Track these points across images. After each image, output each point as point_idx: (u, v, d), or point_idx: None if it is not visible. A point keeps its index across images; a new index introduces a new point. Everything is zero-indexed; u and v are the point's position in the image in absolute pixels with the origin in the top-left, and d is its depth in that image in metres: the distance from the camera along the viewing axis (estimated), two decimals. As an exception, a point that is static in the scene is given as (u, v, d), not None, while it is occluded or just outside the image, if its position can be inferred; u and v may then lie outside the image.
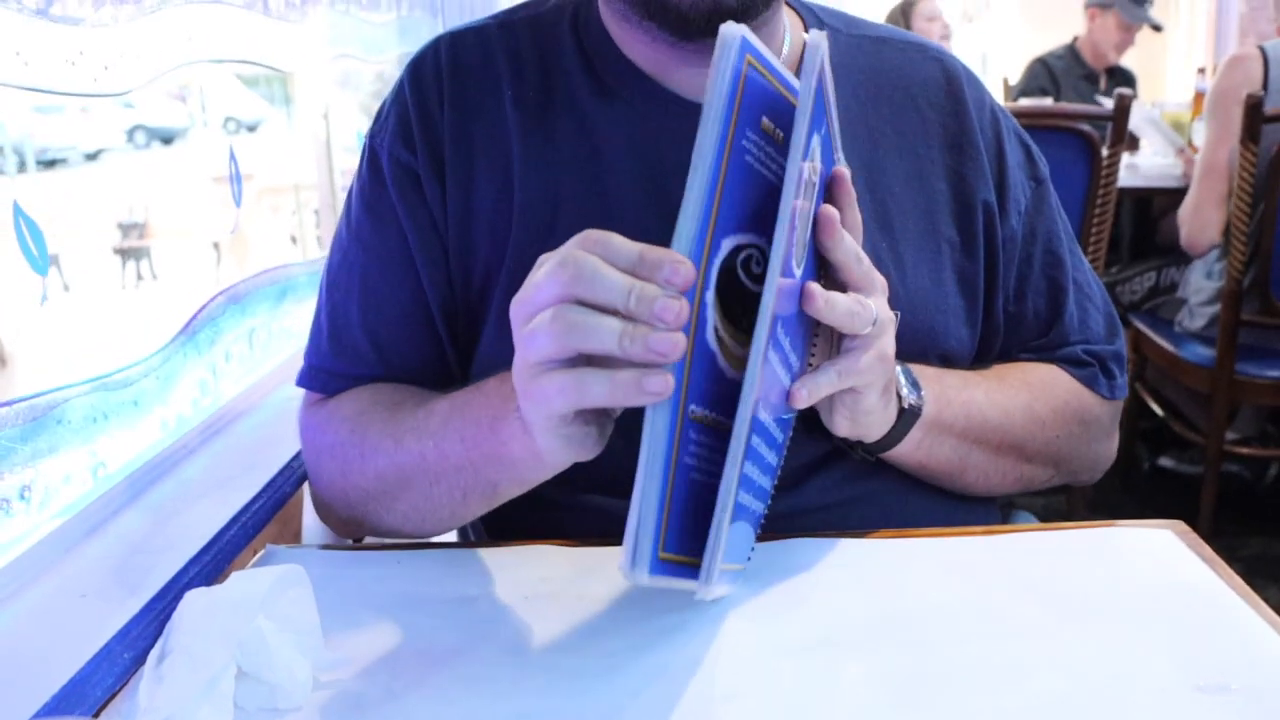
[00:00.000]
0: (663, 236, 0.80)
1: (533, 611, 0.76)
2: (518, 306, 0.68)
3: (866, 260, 0.74)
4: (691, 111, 0.90)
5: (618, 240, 0.66)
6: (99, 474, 0.95)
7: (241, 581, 0.71)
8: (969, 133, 0.96)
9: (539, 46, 0.95)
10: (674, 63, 0.91)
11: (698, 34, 0.86)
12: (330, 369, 0.95)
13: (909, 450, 0.87)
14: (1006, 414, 0.93)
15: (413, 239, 0.91)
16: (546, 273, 0.65)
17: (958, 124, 0.97)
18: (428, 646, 0.72)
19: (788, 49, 0.96)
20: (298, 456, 1.03)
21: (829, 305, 0.70)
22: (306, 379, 0.97)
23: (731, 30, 0.66)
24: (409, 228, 0.91)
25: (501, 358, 0.88)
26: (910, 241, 0.92)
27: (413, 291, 0.92)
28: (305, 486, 1.49)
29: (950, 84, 0.98)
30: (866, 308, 0.72)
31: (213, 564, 0.85)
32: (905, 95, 0.97)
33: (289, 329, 1.34)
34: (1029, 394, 0.95)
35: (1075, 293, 1.01)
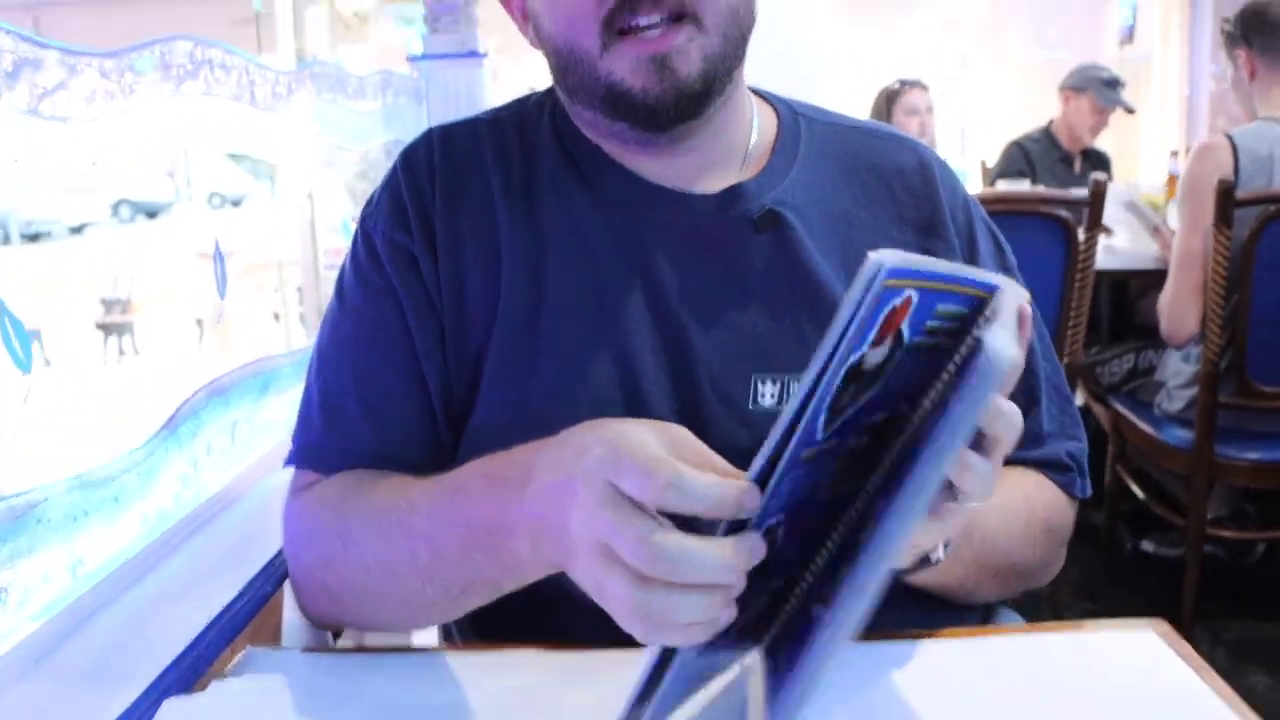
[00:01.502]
0: (646, 311, 0.89)
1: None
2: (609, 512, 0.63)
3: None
4: (667, 197, 0.94)
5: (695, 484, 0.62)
6: (78, 572, 0.94)
7: (221, 693, 0.70)
8: (940, 218, 0.99)
9: (523, 140, 0.99)
10: (647, 154, 0.94)
11: (668, 124, 0.90)
12: (321, 443, 0.94)
13: (918, 576, 0.84)
14: (1010, 536, 0.93)
15: (410, 314, 0.93)
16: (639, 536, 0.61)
17: (930, 209, 1.00)
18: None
19: (756, 138, 0.99)
20: (279, 554, 1.03)
21: (972, 473, 0.66)
22: (296, 458, 0.96)
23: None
24: (407, 303, 0.93)
25: (489, 430, 0.89)
26: None
27: (408, 363, 0.93)
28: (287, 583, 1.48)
29: (924, 170, 1.02)
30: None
31: (192, 668, 0.84)
32: (879, 179, 1.00)
33: (271, 421, 1.34)
34: (1027, 511, 0.96)
35: (1048, 388, 1.02)
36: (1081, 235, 2.41)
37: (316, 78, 1.60)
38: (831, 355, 0.60)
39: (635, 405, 0.88)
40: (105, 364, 8.55)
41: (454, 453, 0.92)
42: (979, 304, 0.64)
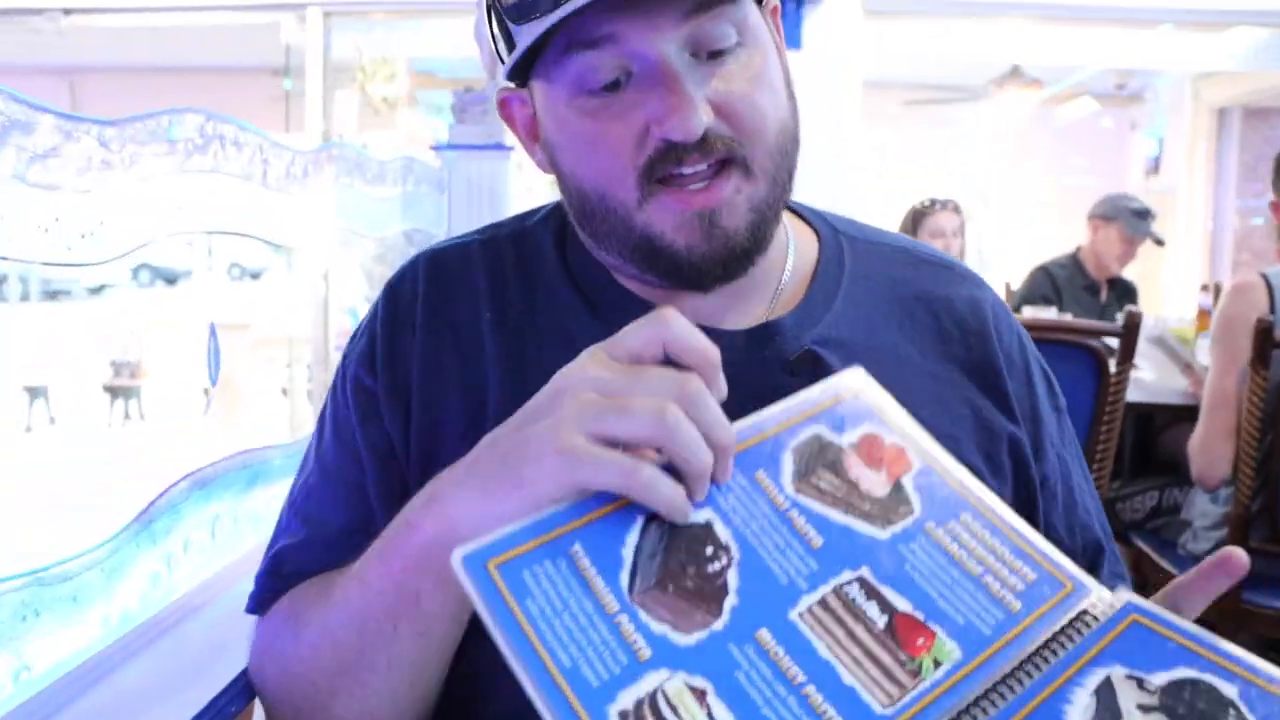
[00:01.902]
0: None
1: None
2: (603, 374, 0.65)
3: None
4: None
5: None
6: (21, 678, 0.86)
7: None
8: (994, 362, 0.90)
9: (522, 266, 0.90)
10: (678, 296, 0.85)
11: (713, 284, 0.82)
12: (280, 555, 0.87)
13: None
14: None
15: (368, 464, 0.85)
16: (661, 375, 0.64)
17: (983, 349, 0.91)
18: None
19: (793, 262, 0.91)
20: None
21: None
22: (254, 601, 0.88)
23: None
24: (364, 452, 0.86)
25: None
26: None
27: (360, 510, 0.85)
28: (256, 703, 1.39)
29: (977, 308, 0.93)
30: None
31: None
32: (927, 310, 0.91)
33: (256, 513, 1.26)
34: None
35: (1107, 540, 0.94)
36: (1113, 367, 2.34)
37: (334, 160, 1.55)
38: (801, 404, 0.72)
39: None
40: (110, 426, 8.52)
41: None
42: (1053, 583, 0.65)
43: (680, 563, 0.63)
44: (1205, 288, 4.73)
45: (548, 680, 0.56)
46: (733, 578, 0.62)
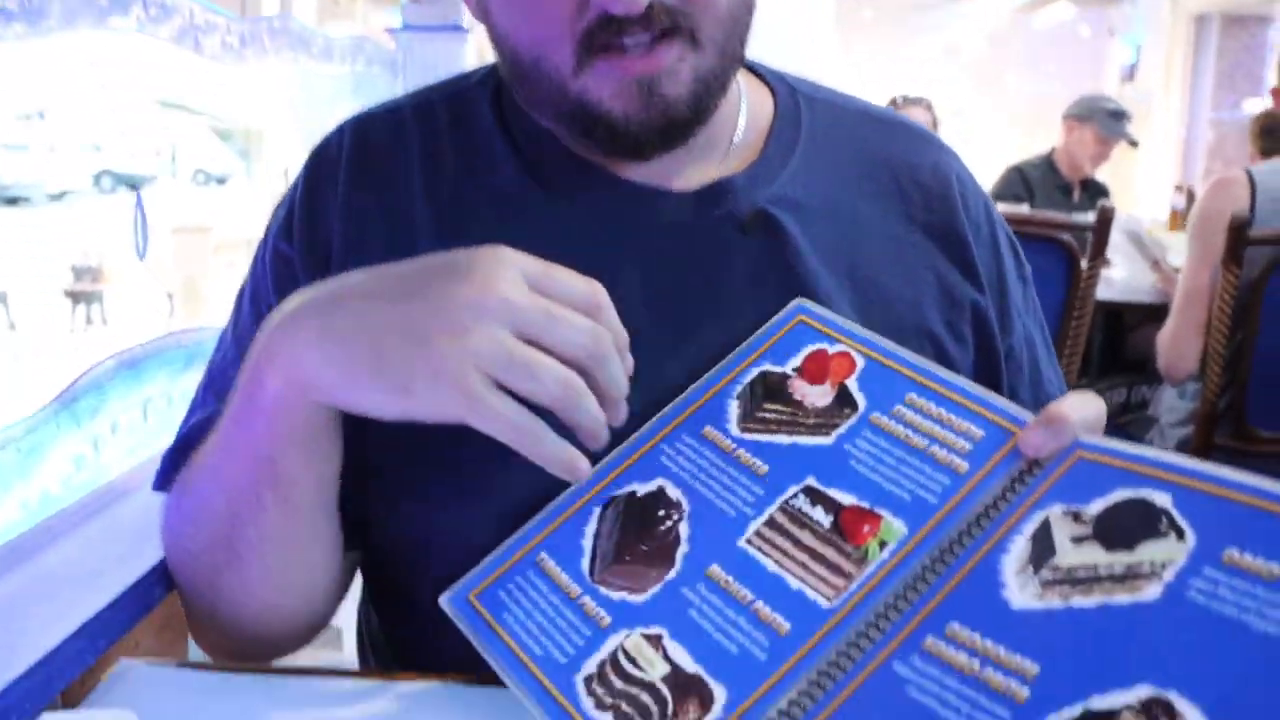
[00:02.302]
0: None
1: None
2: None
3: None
4: (637, 195, 0.79)
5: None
6: (-69, 561, 0.81)
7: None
8: (958, 227, 0.86)
9: (459, 126, 0.84)
10: (623, 163, 0.80)
11: (651, 153, 0.77)
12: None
13: None
14: None
15: None
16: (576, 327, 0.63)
17: (947, 213, 0.86)
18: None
19: (746, 121, 0.85)
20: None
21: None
22: (159, 478, 0.83)
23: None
24: None
25: (395, 483, 0.77)
26: (892, 335, 0.81)
27: None
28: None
29: (941, 172, 0.88)
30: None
31: (43, 684, 0.71)
32: (890, 174, 0.86)
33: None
34: None
35: (1062, 392, 0.91)
36: (1084, 263, 2.30)
37: (276, 33, 1.47)
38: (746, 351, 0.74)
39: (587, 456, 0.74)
40: (72, 332, 8.42)
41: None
42: (1001, 435, 0.64)
43: (635, 532, 0.67)
44: (1179, 188, 4.70)
45: (525, 673, 0.63)
46: (684, 529, 0.67)
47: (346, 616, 2.30)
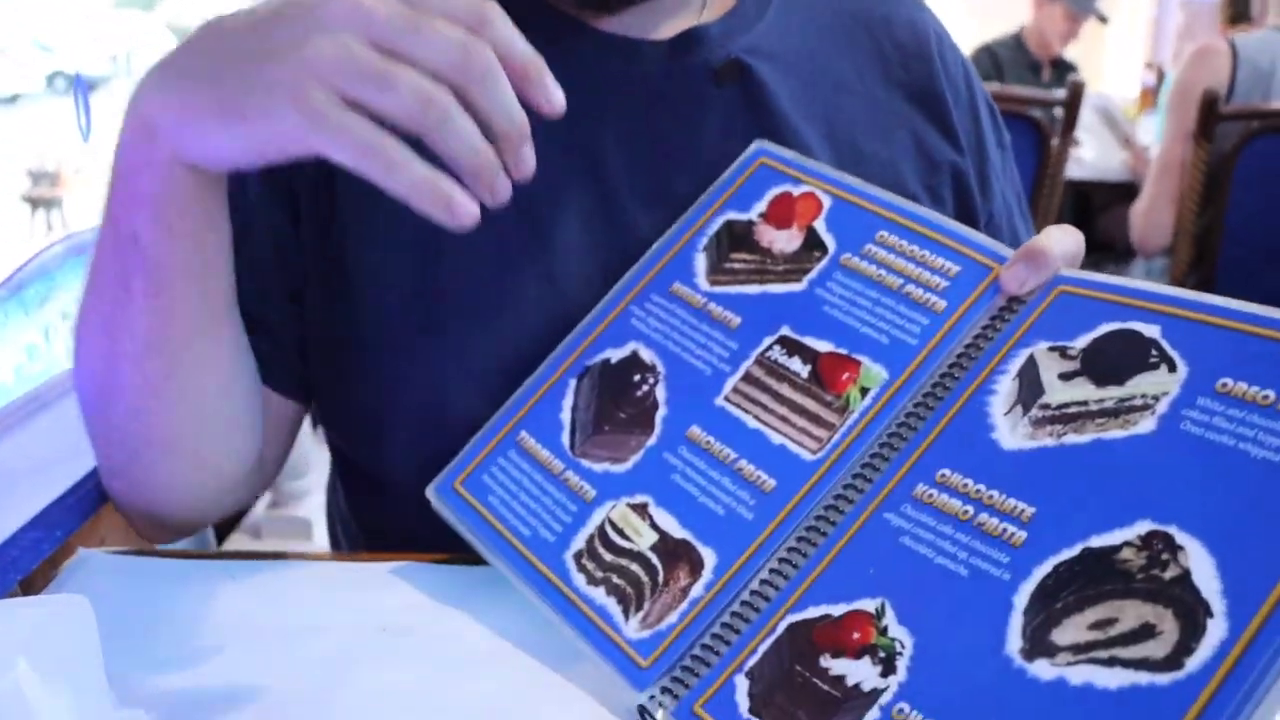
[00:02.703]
0: (583, 194, 0.75)
1: (387, 649, 0.61)
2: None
3: None
4: (609, 46, 0.75)
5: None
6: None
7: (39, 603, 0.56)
8: (937, 87, 0.83)
9: None
10: (595, 15, 0.76)
11: (619, 6, 0.74)
12: None
13: None
14: None
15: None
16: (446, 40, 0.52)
17: (926, 74, 0.83)
18: (247, 694, 0.57)
19: None
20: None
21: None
22: None
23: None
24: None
25: (377, 332, 0.73)
26: None
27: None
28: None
29: (918, 30, 0.85)
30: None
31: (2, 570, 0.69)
32: (867, 33, 0.83)
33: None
34: None
35: None
36: (1055, 140, 2.28)
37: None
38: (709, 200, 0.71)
39: (562, 319, 0.72)
40: (32, 237, 8.25)
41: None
42: (979, 271, 0.62)
43: (612, 400, 0.66)
44: (1149, 65, 4.66)
45: (515, 555, 0.62)
46: (661, 392, 0.65)
47: (316, 509, 2.30)
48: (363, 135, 0.51)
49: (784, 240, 0.68)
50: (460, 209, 0.52)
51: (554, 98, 0.55)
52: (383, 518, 0.82)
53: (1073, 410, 0.53)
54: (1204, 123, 2.30)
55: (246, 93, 0.53)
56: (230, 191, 0.63)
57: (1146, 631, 0.44)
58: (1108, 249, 3.02)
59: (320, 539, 1.03)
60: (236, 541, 2.24)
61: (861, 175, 0.76)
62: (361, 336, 0.74)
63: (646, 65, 0.77)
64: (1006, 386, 0.56)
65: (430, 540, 0.70)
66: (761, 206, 0.70)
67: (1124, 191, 2.81)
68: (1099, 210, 3.36)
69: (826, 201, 0.68)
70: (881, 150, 0.80)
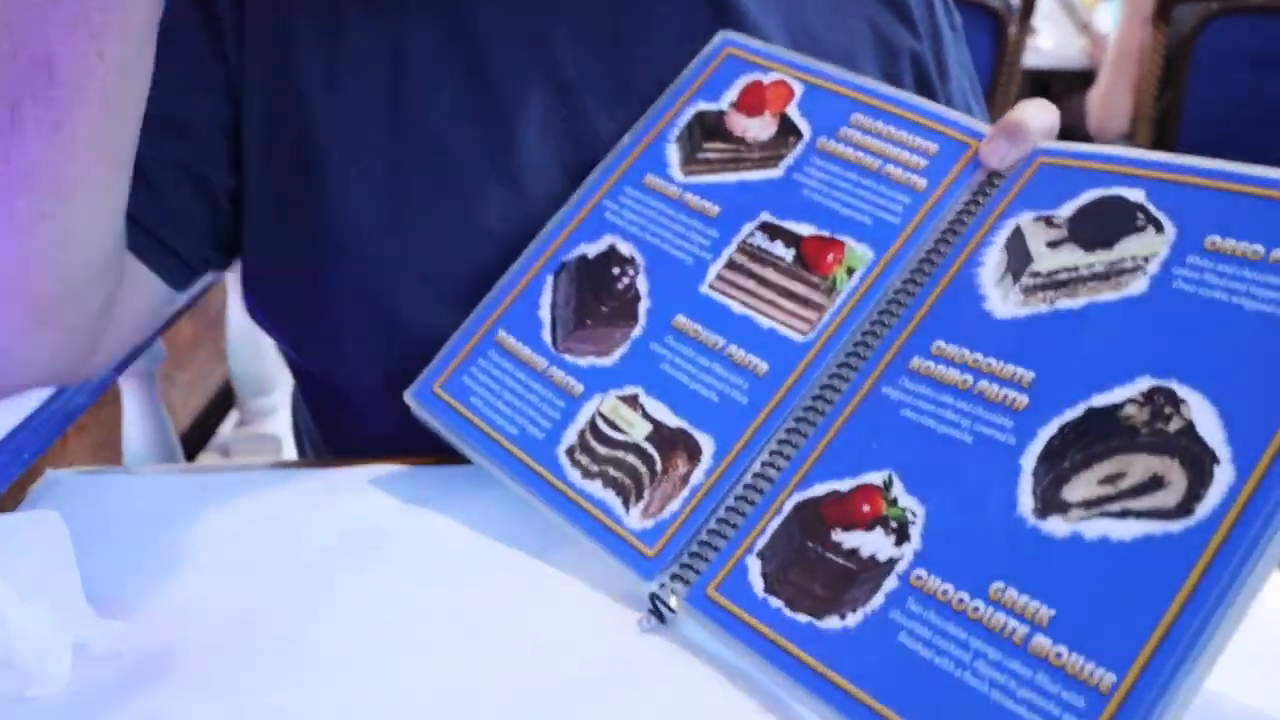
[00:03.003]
0: (539, 98, 0.73)
1: (368, 553, 0.61)
2: None
3: None
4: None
5: None
6: None
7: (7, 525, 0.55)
8: None
9: None
10: None
11: None
12: None
13: None
14: None
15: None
16: None
17: None
18: (226, 604, 0.57)
19: None
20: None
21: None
22: None
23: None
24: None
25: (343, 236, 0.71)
26: None
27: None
28: (124, 397, 1.31)
29: None
30: None
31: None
32: None
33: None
34: None
35: None
36: (1012, 29, 2.25)
37: None
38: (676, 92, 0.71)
39: (525, 221, 0.71)
40: None
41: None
42: (957, 148, 0.62)
43: (592, 294, 0.65)
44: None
45: (504, 455, 0.62)
46: (642, 283, 0.65)
47: (284, 426, 2.29)
48: None
49: (757, 128, 0.68)
50: None
51: None
52: (348, 430, 0.82)
53: (1063, 276, 0.53)
54: (1161, 6, 2.28)
55: None
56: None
57: (1156, 483, 0.45)
58: (1068, 136, 2.98)
59: (290, 455, 1.02)
60: (206, 460, 2.23)
61: None
62: (318, 240, 0.72)
63: None
64: (995, 257, 0.56)
65: (399, 447, 0.70)
66: (732, 96, 0.70)
67: (1083, 79, 2.79)
68: (1058, 98, 3.31)
69: (798, 88, 0.68)
70: (840, 39, 0.78)
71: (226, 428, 2.47)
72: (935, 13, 0.84)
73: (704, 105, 0.70)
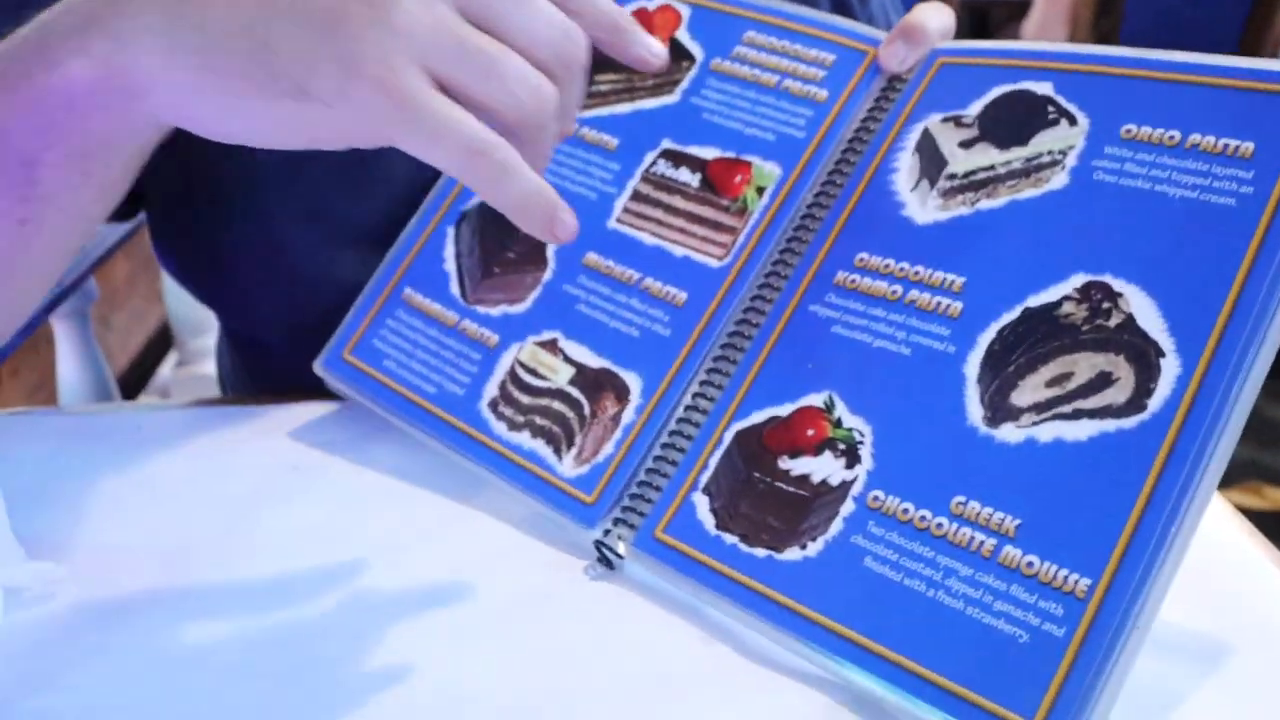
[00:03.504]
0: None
1: (297, 489, 0.61)
2: None
3: None
4: None
5: None
6: None
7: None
8: None
9: None
10: None
11: None
12: None
13: None
14: None
15: None
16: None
17: None
18: (158, 543, 0.57)
19: None
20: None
21: None
22: None
23: None
24: None
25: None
26: None
27: None
28: (56, 338, 1.29)
29: None
30: None
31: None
32: None
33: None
34: None
35: None
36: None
37: None
38: None
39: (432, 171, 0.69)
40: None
41: None
42: (854, 56, 0.61)
43: (497, 241, 0.64)
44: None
45: (424, 415, 0.61)
46: None
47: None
48: (471, 133, 0.42)
49: None
50: (566, 223, 0.45)
51: (655, 48, 0.50)
52: (271, 377, 0.81)
53: (980, 176, 0.53)
54: (1097, -66, 2.29)
55: (309, 66, 0.42)
56: None
57: (1104, 380, 0.45)
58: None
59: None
60: (145, 402, 2.21)
61: None
62: (215, 190, 0.70)
63: None
64: (907, 162, 0.56)
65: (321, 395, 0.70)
66: None
67: (1020, 9, 2.79)
68: (996, 28, 3.35)
69: (685, 11, 0.67)
70: None
71: (165, 369, 2.44)
72: None
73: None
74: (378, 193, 0.69)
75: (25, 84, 0.46)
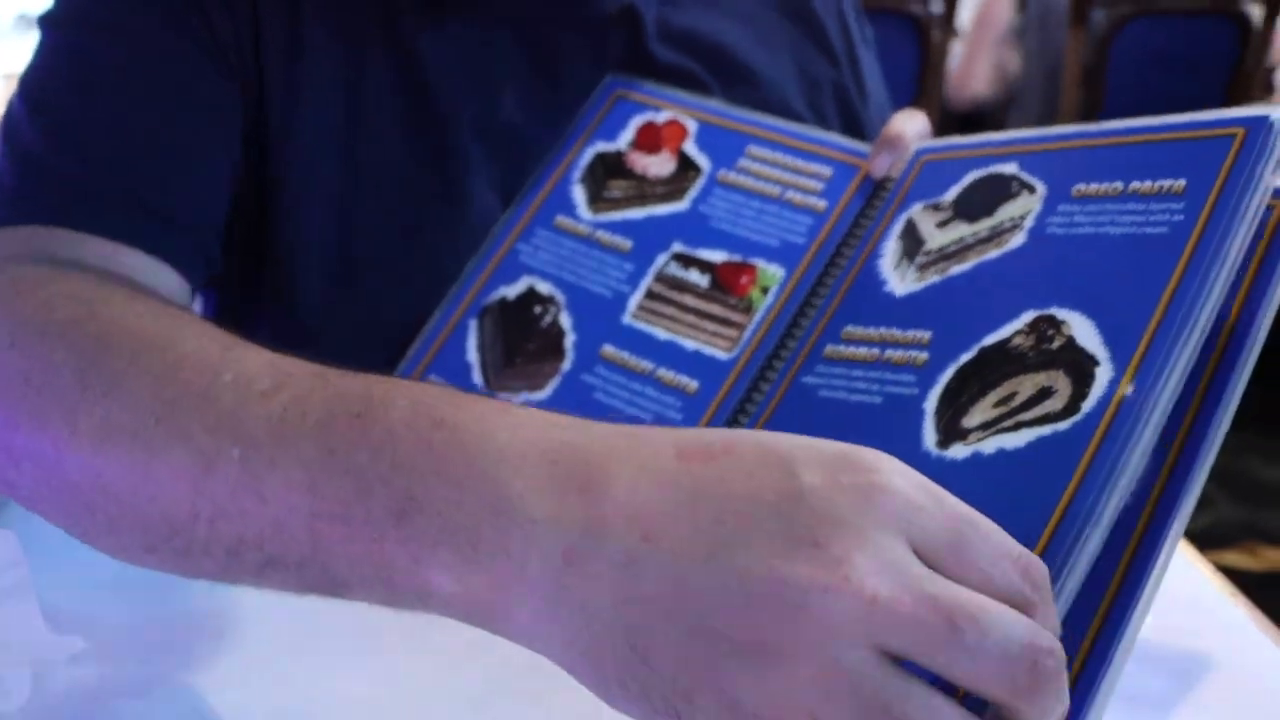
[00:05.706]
0: (441, 209, 0.73)
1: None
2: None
3: None
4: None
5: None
6: None
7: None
8: (810, 2, 0.83)
9: None
10: None
11: None
12: (44, 171, 0.62)
13: None
14: None
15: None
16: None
17: None
18: (190, 619, 0.57)
19: None
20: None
21: None
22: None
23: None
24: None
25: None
26: None
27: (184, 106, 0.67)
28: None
29: None
30: None
31: None
32: None
33: None
34: None
35: None
36: (936, 34, 2.30)
37: None
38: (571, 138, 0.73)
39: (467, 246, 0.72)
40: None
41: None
42: (848, 170, 0.65)
43: (518, 334, 0.67)
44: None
45: None
46: (565, 320, 0.66)
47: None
48: None
49: (657, 165, 0.70)
50: None
51: None
52: None
53: (953, 249, 0.56)
54: (1077, 8, 2.35)
55: (695, 704, 0.34)
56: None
57: (1044, 394, 0.47)
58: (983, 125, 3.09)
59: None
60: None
61: (750, 96, 0.77)
62: (276, 284, 0.73)
63: (542, 8, 0.75)
64: (892, 248, 0.59)
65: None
66: (628, 136, 0.72)
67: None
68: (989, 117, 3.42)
69: (691, 125, 0.71)
70: (768, 70, 0.80)
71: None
72: (851, 34, 0.86)
73: (603, 146, 0.72)
74: (424, 295, 0.71)
75: (377, 548, 0.39)
